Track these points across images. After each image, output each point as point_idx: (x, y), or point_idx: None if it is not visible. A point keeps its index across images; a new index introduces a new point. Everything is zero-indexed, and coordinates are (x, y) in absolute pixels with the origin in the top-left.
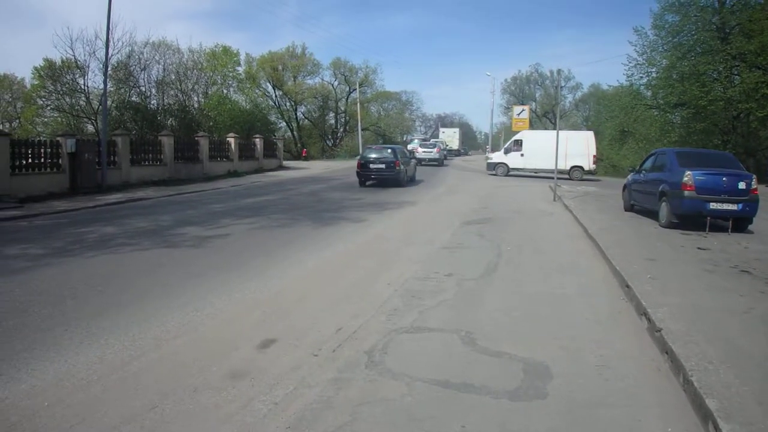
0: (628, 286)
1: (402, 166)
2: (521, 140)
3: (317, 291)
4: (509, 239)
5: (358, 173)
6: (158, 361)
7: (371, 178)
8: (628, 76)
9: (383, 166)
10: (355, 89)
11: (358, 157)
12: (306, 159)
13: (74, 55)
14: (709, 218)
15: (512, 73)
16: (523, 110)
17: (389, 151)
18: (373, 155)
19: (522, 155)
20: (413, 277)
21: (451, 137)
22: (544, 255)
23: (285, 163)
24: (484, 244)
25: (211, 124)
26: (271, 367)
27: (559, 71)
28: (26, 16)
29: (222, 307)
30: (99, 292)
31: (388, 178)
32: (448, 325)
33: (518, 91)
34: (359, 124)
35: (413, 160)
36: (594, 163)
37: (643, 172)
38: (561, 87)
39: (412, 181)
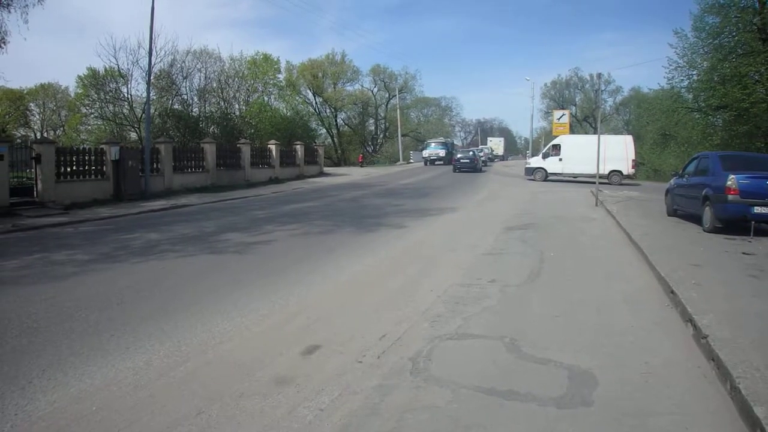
0: (673, 293)
1: (478, 162)
2: (559, 145)
3: (360, 297)
4: (552, 245)
5: (453, 165)
6: (204, 367)
7: (462, 168)
8: (668, 79)
9: (468, 161)
10: (395, 95)
11: (454, 157)
12: (362, 165)
13: (117, 64)
14: (753, 223)
15: (552, 77)
16: (563, 114)
17: (471, 153)
18: (461, 155)
19: (560, 160)
20: (456, 284)
21: (497, 145)
22: (588, 261)
23: (325, 169)
24: (527, 250)
25: (252, 131)
26: (315, 373)
27: (599, 75)
28: (70, 25)
29: (266, 312)
30: (145, 297)
31: (471, 167)
32: (492, 331)
33: (558, 96)
34: (399, 130)
35: (483, 158)
36: (633, 167)
37: (686, 176)
38: (601, 91)
39: (481, 171)
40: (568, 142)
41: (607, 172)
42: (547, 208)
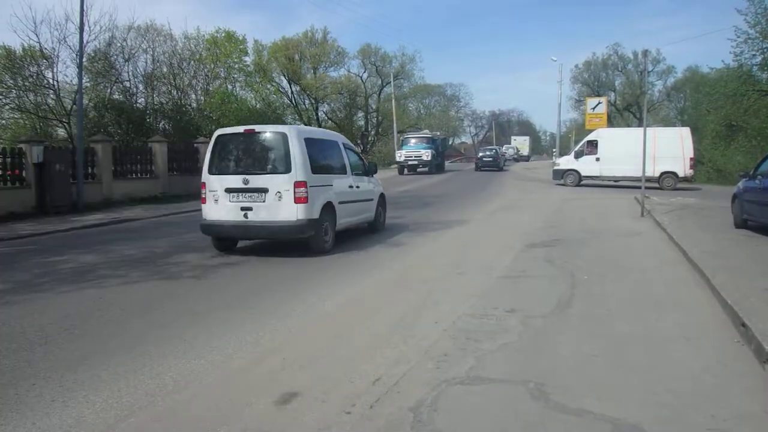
0: (744, 325)
1: (501, 160)
2: (596, 141)
3: (349, 332)
4: (586, 266)
5: (476, 164)
6: (152, 423)
7: (484, 166)
8: (736, 55)
9: (491, 159)
10: (389, 82)
11: (477, 156)
12: None
13: (39, 42)
14: None
15: (584, 56)
16: (599, 103)
17: (494, 150)
18: (484, 154)
19: (597, 159)
20: (467, 314)
21: (522, 144)
22: (633, 285)
23: None
24: (555, 272)
25: (213, 126)
26: (292, 428)
27: (645, 52)
28: None
29: (231, 353)
30: (77, 336)
31: (495, 165)
32: (513, 374)
33: (592, 80)
34: (395, 124)
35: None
36: (691, 167)
37: (759, 177)
38: (648, 72)
39: (502, 169)
40: (606, 137)
41: (657, 174)
42: (580, 220)
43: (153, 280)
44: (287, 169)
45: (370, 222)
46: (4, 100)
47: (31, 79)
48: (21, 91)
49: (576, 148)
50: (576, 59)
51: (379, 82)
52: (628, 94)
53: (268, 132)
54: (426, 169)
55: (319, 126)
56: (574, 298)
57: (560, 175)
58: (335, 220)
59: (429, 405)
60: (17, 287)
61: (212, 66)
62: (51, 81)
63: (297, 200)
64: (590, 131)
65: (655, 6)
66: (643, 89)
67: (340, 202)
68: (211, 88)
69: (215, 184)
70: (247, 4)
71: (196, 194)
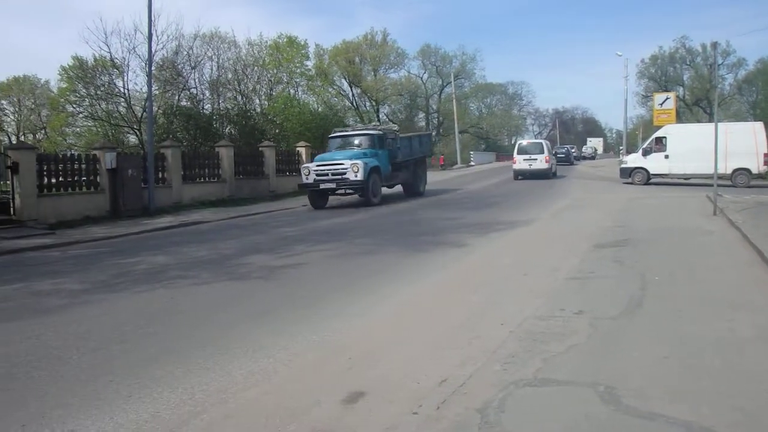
0: None
1: (572, 156)
2: (665, 138)
3: (413, 332)
4: (656, 267)
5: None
6: (223, 420)
7: (558, 162)
8: None
9: (564, 155)
10: (450, 82)
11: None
12: (444, 168)
13: (110, 52)
14: None
15: (650, 50)
16: (667, 98)
17: (564, 149)
18: (558, 151)
19: (666, 157)
20: (533, 316)
21: (596, 144)
22: (705, 286)
23: None
24: (624, 273)
25: (276, 131)
26: (360, 428)
27: (714, 45)
28: (47, 4)
29: (299, 351)
30: (150, 335)
31: (567, 161)
32: (582, 376)
33: (660, 75)
34: (456, 124)
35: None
36: (765, 163)
37: None
38: (718, 65)
39: (555, 175)
40: (675, 133)
41: (729, 171)
42: (649, 220)
43: (222, 281)
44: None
45: None
46: (78, 109)
47: (102, 88)
48: (93, 100)
49: (644, 146)
50: (642, 53)
51: (440, 82)
52: (697, 88)
53: None
54: (352, 190)
55: None
56: (645, 299)
57: (628, 173)
58: None
59: (496, 406)
60: (94, 287)
61: (275, 71)
62: (122, 89)
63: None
64: (658, 128)
65: None
66: (713, 83)
67: None
68: (274, 93)
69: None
70: (308, 9)
71: (261, 197)
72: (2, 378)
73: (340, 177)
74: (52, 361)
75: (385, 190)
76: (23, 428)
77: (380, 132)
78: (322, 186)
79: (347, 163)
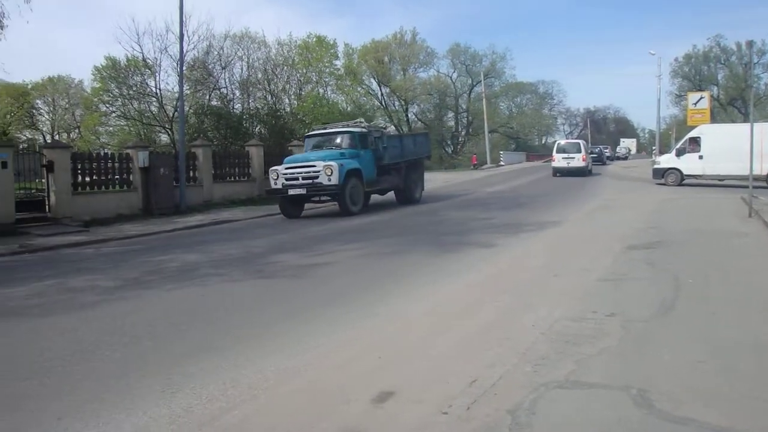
0: None
1: (604, 156)
2: (699, 138)
3: (443, 333)
4: (689, 269)
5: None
6: (255, 415)
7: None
8: None
9: (597, 155)
10: (480, 81)
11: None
12: (476, 168)
13: (142, 52)
14: None
15: (684, 49)
16: (701, 98)
17: (598, 149)
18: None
19: (700, 157)
20: (564, 317)
21: (630, 145)
22: (740, 289)
23: None
24: (656, 275)
25: (305, 130)
26: (389, 427)
27: (749, 43)
28: (81, 5)
29: (329, 350)
30: (182, 331)
31: (600, 160)
32: (614, 379)
33: (693, 74)
34: (485, 124)
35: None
36: None
37: None
38: (753, 64)
39: (591, 173)
40: (709, 133)
41: (765, 173)
42: (682, 221)
43: (252, 279)
44: None
45: None
46: (110, 108)
47: (135, 88)
48: (126, 100)
49: (677, 146)
50: (676, 52)
51: (469, 81)
52: (732, 88)
53: None
54: (330, 199)
55: (409, 128)
56: (678, 302)
57: (661, 174)
58: None
59: (527, 408)
60: (127, 284)
61: (304, 71)
62: (154, 89)
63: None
64: (692, 128)
65: None
66: (749, 82)
67: None
68: (303, 93)
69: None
70: (337, 8)
71: None
72: (38, 372)
73: (310, 181)
74: (86, 356)
75: (376, 197)
76: (59, 421)
77: (362, 130)
78: (291, 192)
79: (319, 164)
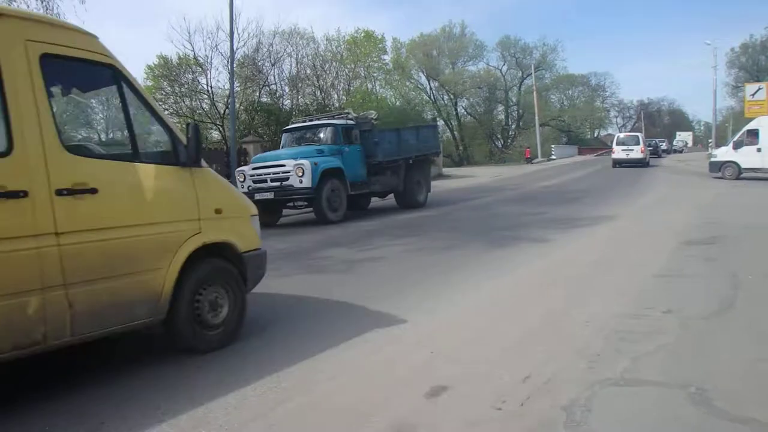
0: None
1: (659, 149)
2: (757, 130)
3: (495, 328)
4: (749, 265)
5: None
6: (308, 407)
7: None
8: None
9: (652, 147)
10: (530, 74)
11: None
12: (530, 162)
13: (194, 50)
14: None
15: (741, 39)
16: (759, 89)
17: (654, 141)
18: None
19: (759, 150)
20: (619, 314)
21: (686, 138)
22: None
23: (444, 170)
24: (714, 272)
25: None
26: (443, 422)
27: None
28: (133, 4)
29: (380, 345)
30: None
31: (655, 153)
32: (671, 377)
33: (751, 64)
34: (536, 117)
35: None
36: None
37: None
38: None
39: (649, 164)
40: None
41: None
42: (740, 216)
43: (303, 274)
44: None
45: None
46: (162, 106)
47: (186, 86)
48: (178, 97)
49: (735, 138)
50: (732, 42)
51: (519, 74)
52: None
53: None
54: (306, 204)
55: (458, 122)
56: (737, 299)
57: (717, 167)
58: None
59: (582, 405)
60: None
61: (353, 66)
62: (205, 87)
63: None
64: (749, 120)
65: None
66: None
67: None
68: (352, 88)
69: None
70: (385, 3)
71: None
72: None
73: (279, 184)
74: (140, 345)
75: (375, 200)
76: (101, 425)
77: (347, 122)
78: (257, 196)
79: (290, 164)
